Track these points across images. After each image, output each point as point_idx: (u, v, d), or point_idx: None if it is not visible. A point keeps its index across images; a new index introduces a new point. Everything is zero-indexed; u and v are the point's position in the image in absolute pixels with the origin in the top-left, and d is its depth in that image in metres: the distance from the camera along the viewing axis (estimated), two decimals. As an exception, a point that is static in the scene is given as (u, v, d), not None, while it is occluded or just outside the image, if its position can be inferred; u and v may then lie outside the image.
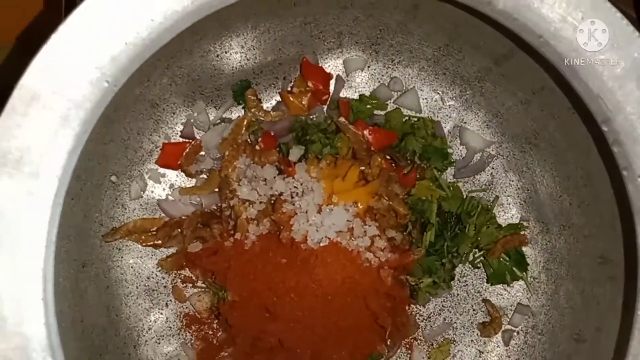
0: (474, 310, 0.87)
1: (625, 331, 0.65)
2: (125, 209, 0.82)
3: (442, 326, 0.86)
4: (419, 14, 0.78)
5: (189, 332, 0.83)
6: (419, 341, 0.86)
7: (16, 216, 0.55)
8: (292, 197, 0.79)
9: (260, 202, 0.79)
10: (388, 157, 0.83)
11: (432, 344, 0.86)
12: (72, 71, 0.55)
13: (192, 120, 0.84)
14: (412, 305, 0.86)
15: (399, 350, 0.86)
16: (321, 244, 0.76)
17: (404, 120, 0.85)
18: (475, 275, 0.87)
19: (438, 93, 0.87)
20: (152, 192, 0.84)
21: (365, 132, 0.81)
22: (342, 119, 0.81)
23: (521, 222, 0.86)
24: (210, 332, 0.83)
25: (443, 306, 0.87)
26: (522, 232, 0.85)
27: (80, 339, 0.72)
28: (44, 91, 0.55)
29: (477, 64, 0.82)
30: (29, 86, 0.55)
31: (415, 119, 0.85)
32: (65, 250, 0.71)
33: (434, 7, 0.75)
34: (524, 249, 0.85)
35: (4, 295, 0.56)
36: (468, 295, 0.87)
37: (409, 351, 0.86)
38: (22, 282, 0.56)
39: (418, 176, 0.84)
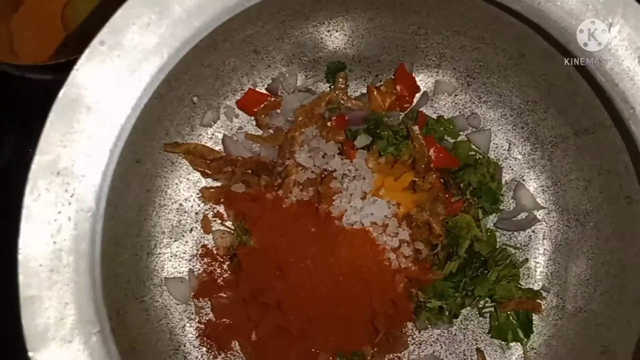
0: (464, 355, 0.87)
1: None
2: (193, 130, 0.87)
3: (429, 357, 0.87)
4: (522, 63, 0.82)
5: (200, 263, 0.86)
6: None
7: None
8: (342, 178, 0.82)
9: (312, 172, 0.83)
10: (442, 179, 0.86)
11: (410, 366, 0.87)
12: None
13: (281, 79, 0.89)
14: (410, 326, 0.87)
15: (380, 362, 0.87)
16: (354, 227, 0.78)
17: (470, 153, 0.88)
18: (478, 323, 0.88)
19: (509, 143, 0.90)
20: (220, 126, 0.89)
21: (432, 149, 0.85)
22: (415, 128, 0.84)
23: (541, 291, 0.87)
24: (218, 271, 0.86)
25: (437, 339, 0.87)
26: (537, 300, 0.86)
27: (109, 221, 0.76)
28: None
29: (557, 129, 0.85)
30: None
31: (480, 156, 0.88)
32: (130, 139, 0.76)
33: (538, 61, 0.79)
34: (534, 316, 0.86)
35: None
36: (464, 339, 0.88)
37: (390, 366, 0.86)
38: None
39: (463, 209, 0.86)
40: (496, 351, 0.88)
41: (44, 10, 0.95)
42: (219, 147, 0.88)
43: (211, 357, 0.85)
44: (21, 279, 0.56)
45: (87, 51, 0.57)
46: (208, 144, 0.88)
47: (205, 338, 0.85)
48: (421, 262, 0.82)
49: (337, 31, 0.87)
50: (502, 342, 0.87)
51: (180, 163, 0.86)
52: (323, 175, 0.83)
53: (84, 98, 0.58)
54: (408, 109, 0.90)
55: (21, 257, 0.57)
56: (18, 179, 0.58)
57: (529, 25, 0.68)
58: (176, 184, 0.86)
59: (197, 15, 0.62)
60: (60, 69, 0.75)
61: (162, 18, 0.60)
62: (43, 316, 0.57)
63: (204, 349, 0.85)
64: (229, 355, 0.86)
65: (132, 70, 0.59)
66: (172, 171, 0.86)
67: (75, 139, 0.58)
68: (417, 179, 0.84)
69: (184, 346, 0.85)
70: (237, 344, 0.85)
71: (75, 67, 0.57)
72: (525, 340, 0.86)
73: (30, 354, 0.57)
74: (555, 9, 0.63)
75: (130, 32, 0.59)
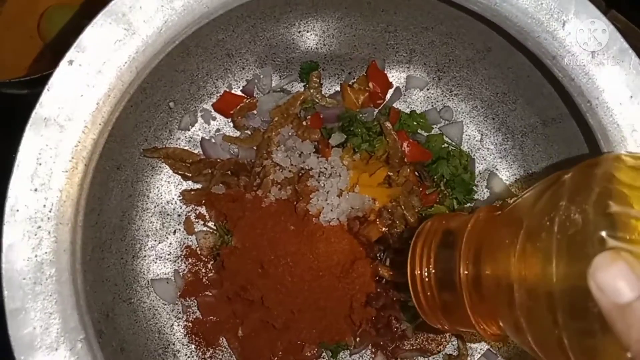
0: (446, 341, 0.91)
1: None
2: (171, 135, 0.89)
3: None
4: (489, 56, 0.84)
5: (185, 264, 0.89)
6: (385, 350, 0.90)
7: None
8: (318, 176, 0.84)
9: (290, 171, 0.85)
10: (416, 173, 0.88)
11: (397, 359, 0.90)
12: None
13: (256, 80, 0.91)
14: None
15: (364, 351, 0.90)
16: (331, 223, 0.81)
17: (442, 146, 0.90)
18: (457, 309, 0.91)
19: (481, 134, 0.92)
20: (198, 129, 0.91)
21: (405, 143, 0.87)
22: (388, 124, 0.86)
23: (516, 276, 0.89)
24: (203, 270, 0.89)
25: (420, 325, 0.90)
26: (514, 286, 0.89)
27: (93, 228, 0.78)
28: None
29: (526, 119, 0.87)
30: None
31: (453, 148, 0.90)
32: (109, 147, 0.78)
33: (504, 54, 0.81)
34: (510, 301, 0.89)
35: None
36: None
37: (373, 355, 0.89)
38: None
39: (437, 200, 0.89)
40: (475, 335, 0.91)
41: (22, 22, 0.96)
42: (197, 150, 0.90)
43: (200, 353, 0.88)
44: (6, 293, 0.59)
45: (56, 70, 0.59)
46: (187, 148, 0.90)
47: (193, 336, 0.88)
48: (398, 255, 0.84)
49: (308, 31, 0.88)
50: (480, 327, 0.90)
51: (160, 167, 0.88)
52: (300, 174, 0.86)
53: (57, 116, 0.60)
54: (381, 105, 0.92)
55: (4, 271, 0.59)
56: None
57: (487, 25, 0.70)
58: (157, 187, 0.89)
59: (164, 30, 0.63)
60: (35, 84, 0.77)
61: (128, 35, 0.61)
62: (29, 327, 0.60)
63: (193, 346, 0.88)
64: (217, 351, 0.89)
65: (102, 87, 0.61)
66: (152, 175, 0.88)
67: (50, 155, 0.60)
68: (391, 174, 0.86)
69: (173, 344, 0.88)
70: (224, 340, 0.88)
71: (47, 86, 0.59)
72: (503, 324, 0.89)
73: (19, 363, 0.60)
74: (511, 8, 0.65)
75: (98, 51, 0.60)
